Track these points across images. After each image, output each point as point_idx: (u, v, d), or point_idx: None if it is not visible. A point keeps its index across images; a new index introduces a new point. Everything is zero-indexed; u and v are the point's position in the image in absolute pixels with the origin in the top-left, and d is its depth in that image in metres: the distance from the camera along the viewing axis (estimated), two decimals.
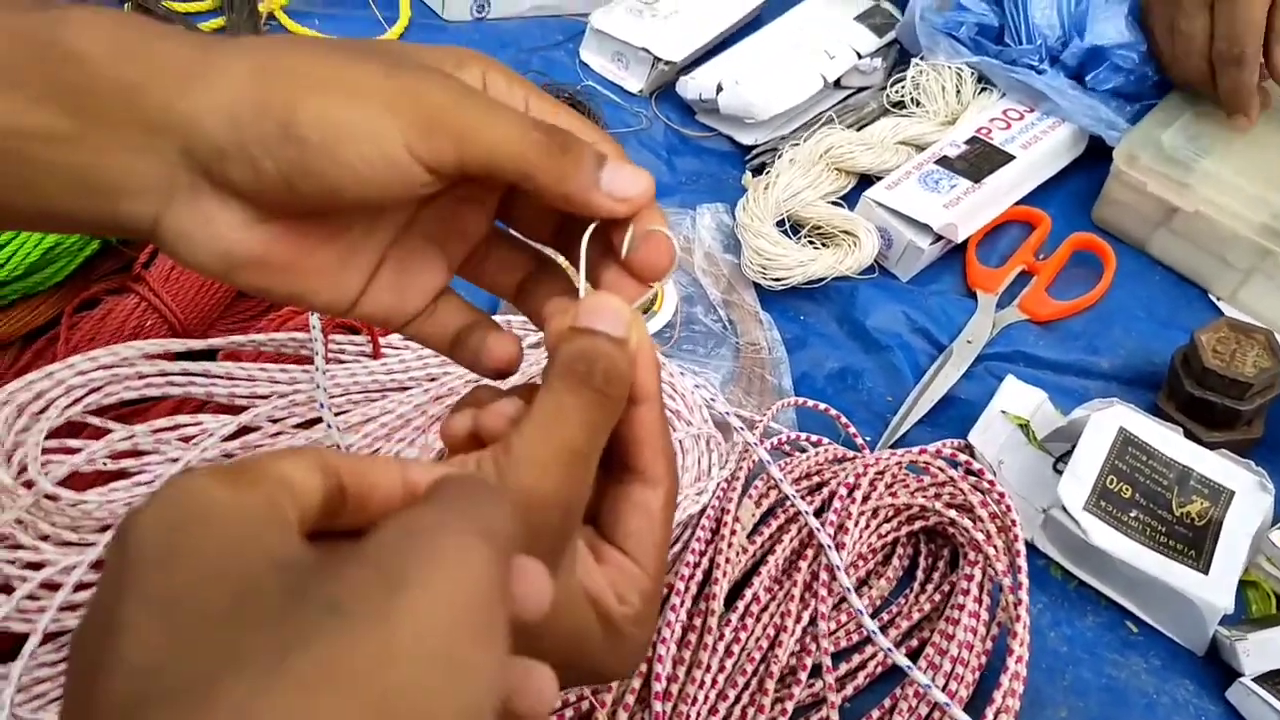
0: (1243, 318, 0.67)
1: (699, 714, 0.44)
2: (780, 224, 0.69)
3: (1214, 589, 0.51)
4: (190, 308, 0.54)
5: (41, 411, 0.45)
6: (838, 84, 0.79)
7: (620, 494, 0.31)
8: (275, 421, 0.49)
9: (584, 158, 0.31)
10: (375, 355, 0.52)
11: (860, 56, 0.80)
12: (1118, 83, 0.72)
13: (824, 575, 0.49)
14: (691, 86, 0.77)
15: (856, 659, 0.49)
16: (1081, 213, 0.73)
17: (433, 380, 0.51)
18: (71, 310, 0.53)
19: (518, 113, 0.31)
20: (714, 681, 0.46)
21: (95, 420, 0.46)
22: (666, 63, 0.78)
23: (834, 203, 0.71)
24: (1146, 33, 0.72)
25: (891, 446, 0.60)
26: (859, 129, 0.75)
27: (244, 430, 0.49)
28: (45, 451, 0.45)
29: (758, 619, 0.48)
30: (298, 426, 0.49)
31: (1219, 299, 0.69)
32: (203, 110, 0.29)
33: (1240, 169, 0.67)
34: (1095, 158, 0.74)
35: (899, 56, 0.82)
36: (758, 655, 0.47)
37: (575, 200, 0.31)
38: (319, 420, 0.49)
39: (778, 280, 0.67)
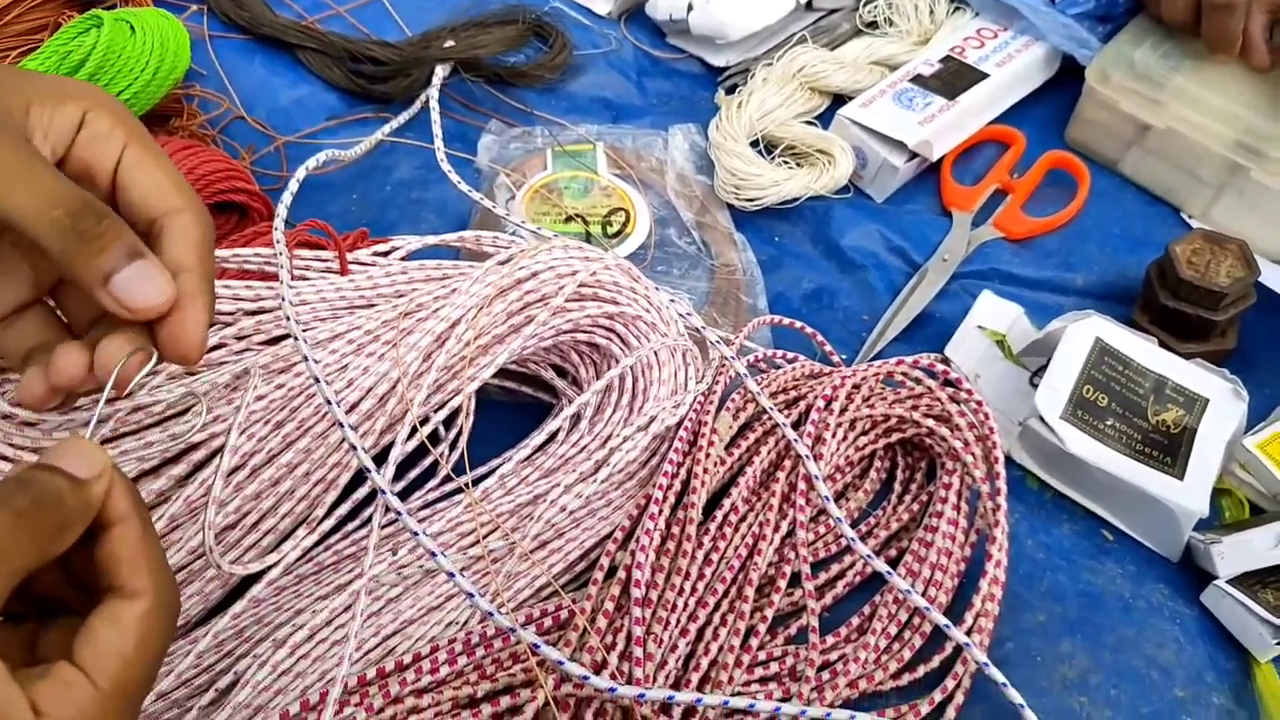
0: None
1: (678, 620, 0.44)
2: (754, 144, 0.68)
3: (1189, 494, 0.51)
4: None
5: None
6: (810, 5, 0.78)
7: (97, 611, 0.29)
8: (241, 339, 0.48)
9: (106, 249, 0.31)
10: (342, 272, 0.51)
11: None
12: (1088, 6, 0.71)
13: (802, 486, 0.49)
14: (661, 7, 0.75)
15: (835, 568, 0.49)
16: (1055, 132, 0.73)
17: (400, 296, 0.50)
18: None
19: (54, 183, 0.31)
20: (693, 589, 0.45)
21: None
22: None
23: (808, 122, 0.70)
24: None
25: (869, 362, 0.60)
26: (832, 49, 0.74)
27: (211, 348, 0.47)
28: (4, 373, 0.44)
29: (736, 528, 0.48)
30: (264, 344, 0.48)
31: (1191, 217, 0.69)
32: None
33: (1212, 85, 0.67)
34: (1069, 77, 0.73)
35: None
36: (736, 564, 0.47)
37: (82, 287, 0.31)
38: (286, 337, 0.48)
39: (751, 201, 0.66)
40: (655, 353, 0.50)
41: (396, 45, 0.71)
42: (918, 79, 0.70)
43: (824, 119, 0.71)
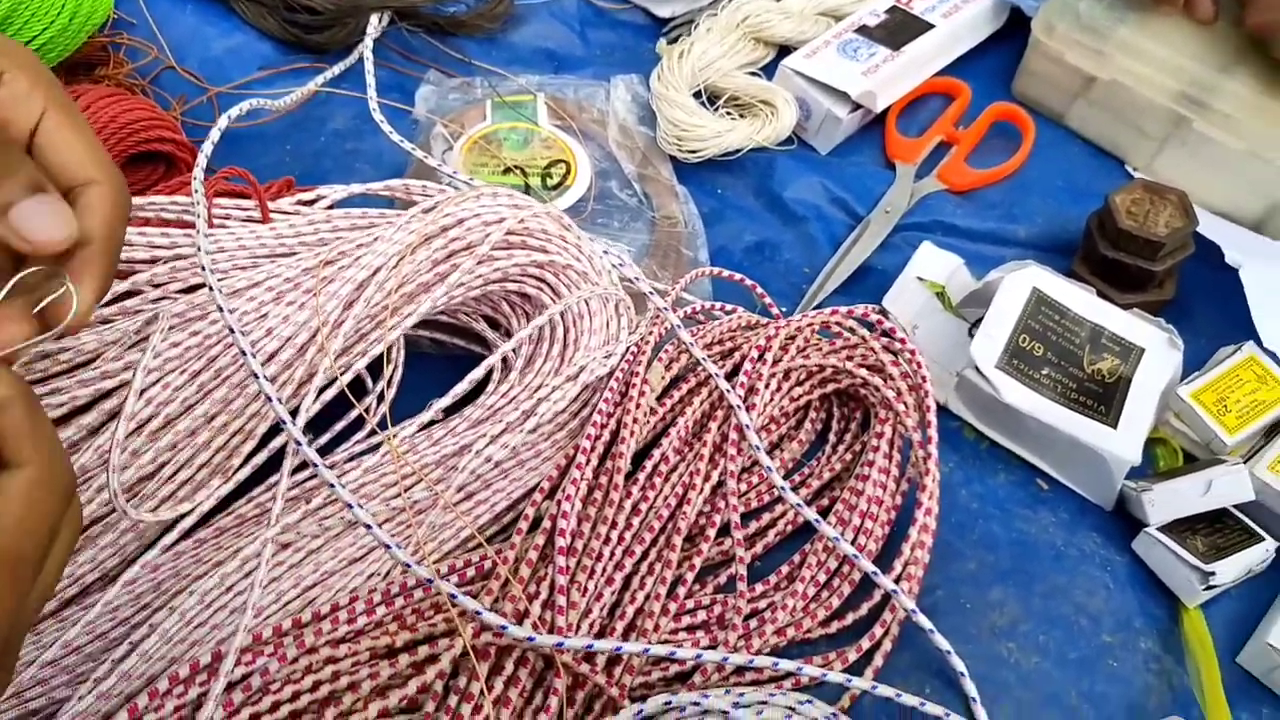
0: None
1: (603, 569, 0.43)
2: (696, 95, 0.67)
3: (1122, 442, 0.51)
4: None
5: None
6: None
7: None
8: (157, 286, 0.47)
9: (5, 179, 0.29)
10: (264, 220, 0.49)
11: None
12: None
13: (734, 435, 0.48)
14: None
15: (767, 518, 0.49)
16: (1001, 85, 0.72)
17: (324, 244, 0.49)
18: None
19: None
20: (620, 538, 0.45)
21: None
22: None
23: (752, 73, 0.69)
24: None
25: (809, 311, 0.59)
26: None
27: (126, 295, 0.46)
28: None
29: (666, 479, 0.47)
30: (181, 292, 0.47)
31: (1135, 169, 0.69)
32: None
33: (1157, 36, 0.66)
34: (1015, 29, 0.72)
35: None
36: (665, 514, 0.46)
37: None
38: (203, 285, 0.46)
39: (693, 152, 0.65)
40: (586, 302, 0.49)
41: None
42: (863, 29, 0.69)
43: (769, 70, 0.70)
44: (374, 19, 0.66)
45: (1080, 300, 0.56)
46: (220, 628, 0.40)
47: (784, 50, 0.71)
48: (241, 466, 0.43)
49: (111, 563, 0.42)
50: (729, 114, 0.67)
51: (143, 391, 0.42)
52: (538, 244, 0.50)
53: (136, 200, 0.48)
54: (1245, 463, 0.51)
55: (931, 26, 0.69)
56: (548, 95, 0.67)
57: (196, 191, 0.47)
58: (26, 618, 0.29)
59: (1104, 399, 0.52)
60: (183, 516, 0.41)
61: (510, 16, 0.72)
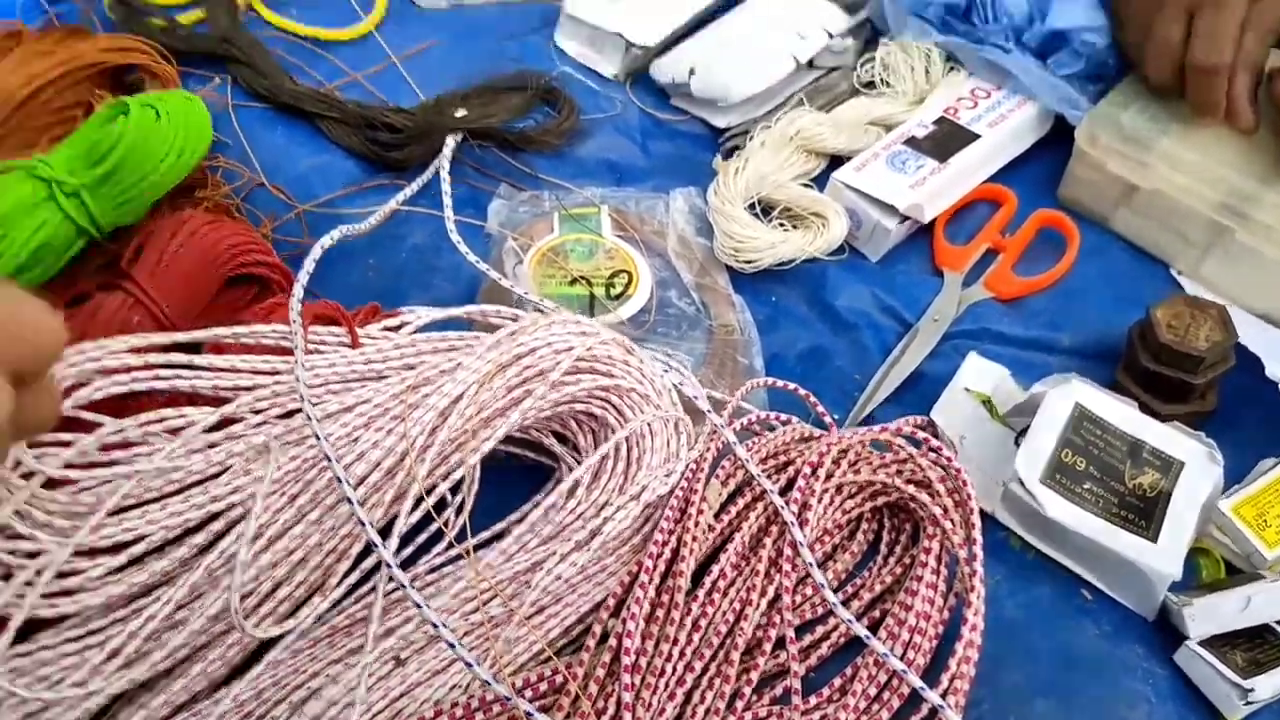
0: (1203, 292, 0.69)
1: (666, 685, 0.47)
2: (751, 206, 0.71)
3: (1162, 557, 0.53)
4: (176, 302, 0.56)
5: None
6: (810, 64, 0.81)
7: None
8: (258, 412, 0.51)
9: None
10: (354, 345, 0.54)
11: (832, 36, 0.81)
12: (1078, 68, 0.73)
13: (788, 551, 0.51)
14: (665, 71, 0.78)
15: (820, 630, 0.52)
16: (1047, 190, 0.75)
17: (409, 368, 0.53)
18: (61, 307, 0.55)
19: None
20: (681, 654, 0.48)
21: (86, 414, 0.48)
22: (640, 47, 0.80)
23: (805, 184, 0.73)
24: (1115, 22, 0.73)
25: (859, 424, 0.62)
26: (830, 109, 0.77)
27: (227, 421, 0.51)
28: (40, 445, 0.47)
29: (724, 594, 0.50)
30: (280, 417, 0.51)
31: (1180, 273, 0.71)
32: None
33: (1198, 147, 0.69)
34: (1061, 135, 0.75)
35: (870, 33, 0.83)
36: (724, 629, 0.49)
37: None
38: (300, 410, 0.51)
39: (749, 263, 0.68)
40: (649, 424, 0.52)
41: (411, 111, 0.74)
42: (911, 141, 0.72)
43: (821, 179, 0.73)
44: (450, 140, 0.71)
45: (1121, 414, 0.58)
46: None
47: (836, 160, 0.75)
48: (338, 585, 0.47)
49: (220, 673, 0.46)
50: (782, 225, 0.70)
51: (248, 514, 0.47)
52: (604, 369, 0.53)
53: (238, 329, 0.53)
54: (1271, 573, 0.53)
55: (977, 137, 0.73)
56: (611, 207, 0.71)
57: (295, 321, 0.51)
58: None
59: (1145, 513, 0.55)
60: (288, 632, 0.45)
61: (576, 131, 0.76)
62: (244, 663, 0.47)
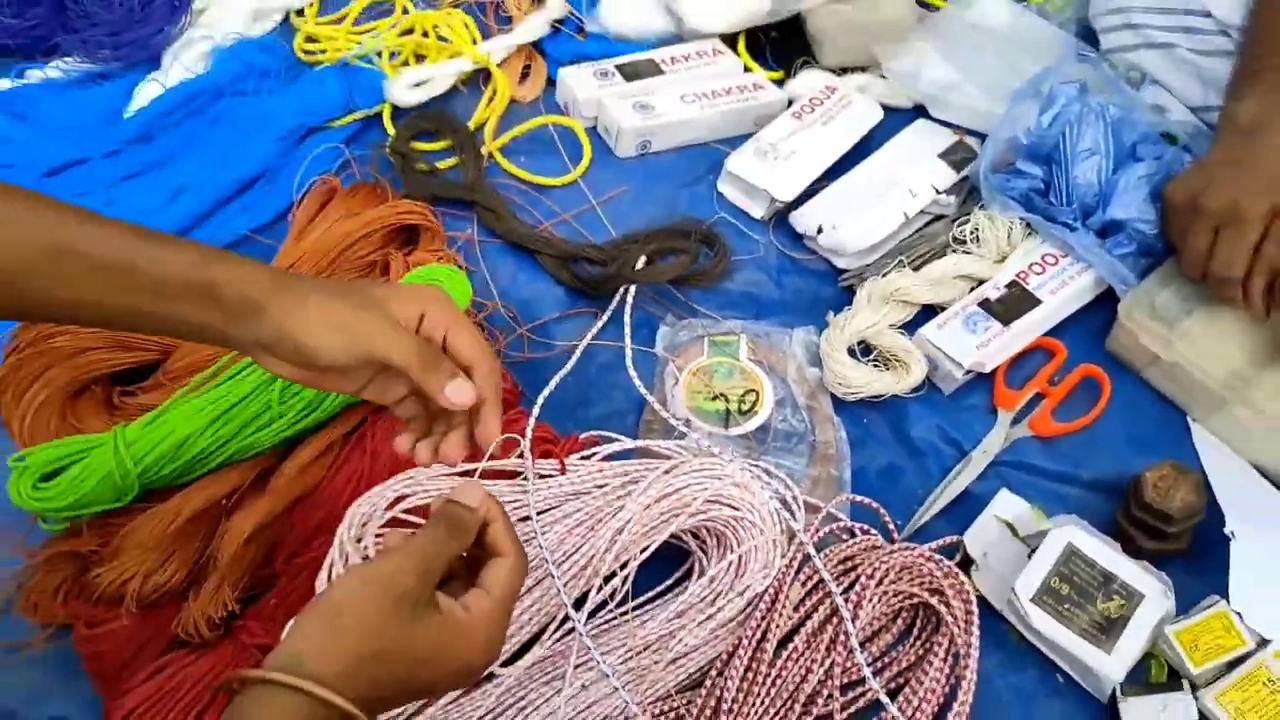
0: (1209, 438, 0.88)
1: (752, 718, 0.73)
2: (852, 350, 0.93)
3: (1113, 666, 0.75)
4: None
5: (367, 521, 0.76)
6: (921, 213, 1.01)
7: (489, 565, 0.60)
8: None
9: (436, 371, 0.61)
10: (562, 471, 0.81)
11: (938, 192, 1.01)
12: (1130, 249, 0.92)
13: (843, 636, 0.76)
14: (799, 222, 1.01)
15: (859, 690, 0.77)
16: (1096, 342, 0.95)
17: (600, 488, 0.80)
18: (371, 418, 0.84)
19: (406, 335, 0.61)
20: (762, 700, 0.74)
21: (404, 515, 0.77)
22: (781, 200, 1.02)
23: (899, 329, 0.95)
24: (1163, 218, 0.91)
25: (914, 532, 0.86)
26: (928, 260, 0.98)
27: None
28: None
29: (796, 661, 0.76)
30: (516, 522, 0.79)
31: (1194, 420, 0.90)
32: (264, 329, 0.60)
33: (1216, 329, 0.87)
34: (1113, 295, 0.94)
35: (971, 187, 1.03)
36: (793, 686, 0.75)
37: (429, 394, 0.62)
38: (528, 518, 0.78)
39: (849, 394, 0.92)
40: (756, 546, 0.78)
41: (603, 248, 1.00)
42: (984, 303, 0.93)
43: (914, 324, 0.95)
44: (631, 289, 0.96)
45: (1103, 554, 0.79)
46: None
47: (927, 307, 0.96)
48: (550, 636, 0.75)
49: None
50: (876, 364, 0.93)
51: None
52: (728, 500, 0.79)
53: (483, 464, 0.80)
54: (1197, 690, 0.74)
55: (1040, 303, 0.93)
56: (748, 336, 0.95)
57: (527, 455, 0.78)
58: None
59: (1107, 631, 0.77)
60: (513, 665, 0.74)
61: (725, 270, 1.00)
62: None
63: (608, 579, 0.76)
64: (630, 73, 1.12)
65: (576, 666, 0.75)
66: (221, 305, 0.61)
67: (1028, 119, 0.97)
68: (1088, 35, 1.13)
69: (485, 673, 0.62)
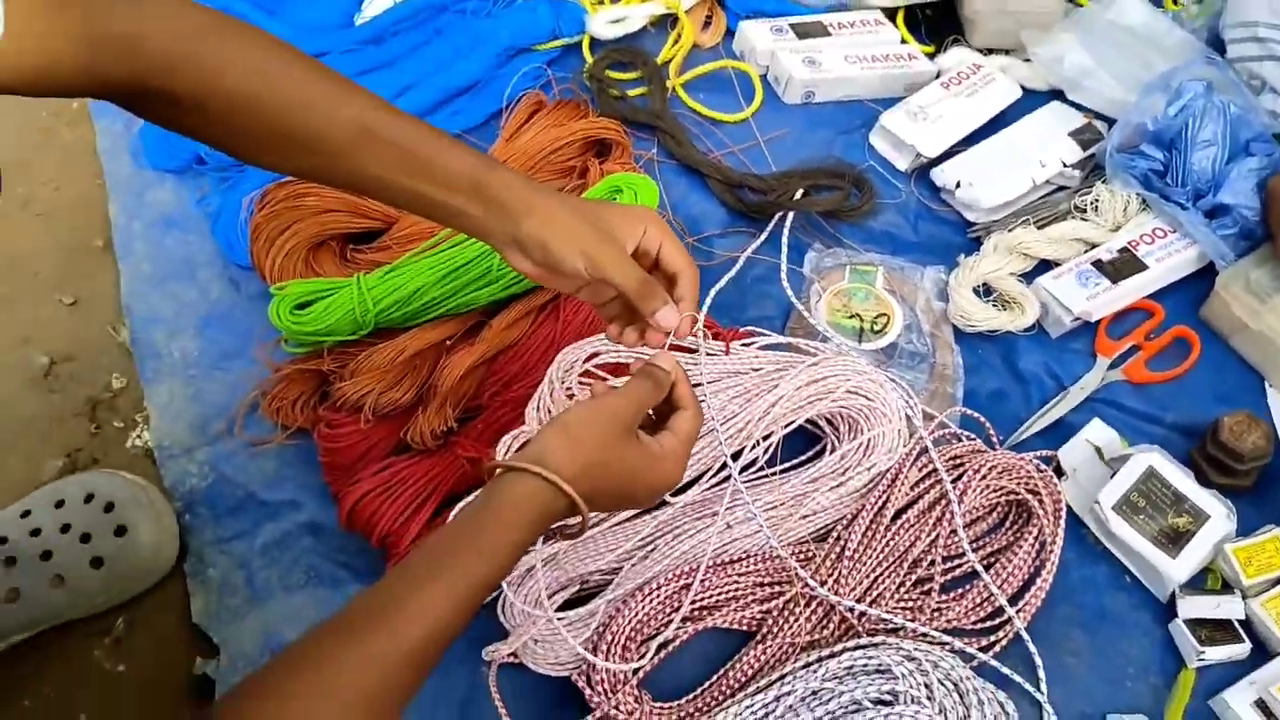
0: None
1: (866, 570, 0.88)
2: (977, 289, 1.07)
3: (1176, 569, 0.89)
4: None
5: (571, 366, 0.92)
6: (1047, 182, 1.15)
7: (675, 415, 0.75)
8: None
9: (652, 299, 0.74)
10: (726, 352, 0.96)
11: (1065, 166, 1.14)
12: (1233, 231, 1.05)
13: (949, 515, 0.91)
14: (940, 177, 1.15)
15: (957, 562, 0.91)
16: (1191, 309, 1.07)
17: (756, 370, 0.95)
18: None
19: (632, 266, 0.74)
20: (877, 556, 0.89)
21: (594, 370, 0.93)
22: (925, 156, 1.16)
23: (1018, 278, 1.08)
24: (1265, 208, 1.03)
25: (1014, 447, 1.00)
26: (1048, 224, 1.11)
27: None
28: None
29: (907, 530, 0.91)
30: None
31: (1270, 386, 1.03)
32: (522, 231, 0.73)
33: None
34: (1210, 271, 1.07)
35: (1093, 166, 1.16)
36: (902, 549, 0.90)
37: (643, 313, 0.75)
38: (698, 385, 0.94)
39: (969, 326, 1.06)
40: (883, 431, 0.93)
41: (765, 179, 1.14)
42: (1097, 263, 1.06)
43: (1032, 273, 1.09)
44: (791, 215, 1.10)
45: (1178, 478, 0.93)
46: (689, 561, 0.88)
47: (1044, 261, 1.10)
48: (705, 484, 0.91)
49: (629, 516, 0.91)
50: (995, 304, 1.07)
51: None
52: (863, 393, 0.94)
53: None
54: (1246, 598, 0.88)
55: (1146, 268, 1.06)
56: (885, 269, 1.10)
57: (700, 333, 0.94)
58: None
59: (1174, 541, 0.90)
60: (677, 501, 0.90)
61: (871, 211, 1.14)
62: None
63: (755, 446, 0.92)
64: (801, 31, 1.26)
65: (727, 508, 0.90)
66: (489, 203, 0.73)
67: (1155, 108, 1.10)
68: (1216, 43, 1.25)
69: (663, 497, 0.78)
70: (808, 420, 0.97)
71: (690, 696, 0.84)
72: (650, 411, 0.76)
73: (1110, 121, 1.17)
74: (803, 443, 0.98)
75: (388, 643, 0.57)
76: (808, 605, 0.87)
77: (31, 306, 1.14)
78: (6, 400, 1.08)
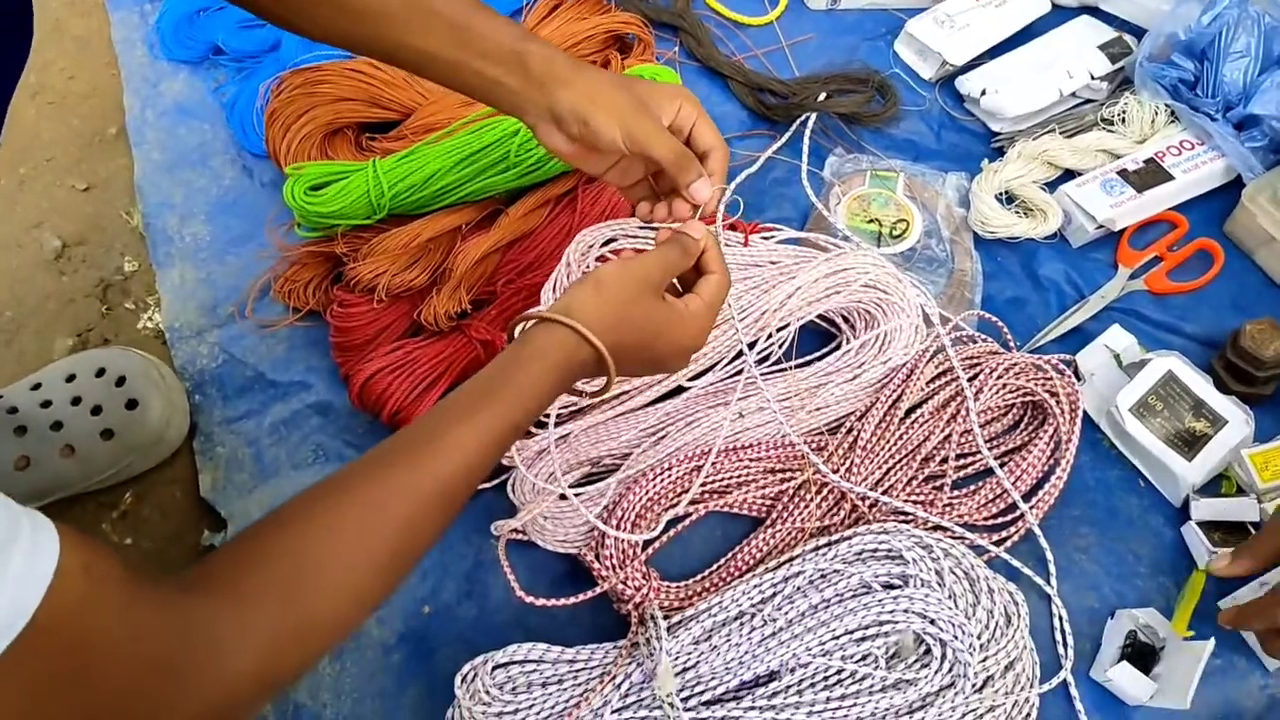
0: None
1: (879, 462, 0.87)
2: (999, 195, 1.06)
3: (1191, 472, 0.88)
4: None
5: (589, 248, 0.91)
6: (1074, 94, 1.13)
7: (702, 280, 0.75)
8: None
9: (689, 171, 0.74)
10: (745, 244, 0.95)
11: (1093, 78, 1.13)
12: (1263, 143, 1.03)
13: (964, 411, 0.90)
14: (965, 85, 1.13)
15: (972, 459, 0.91)
16: (1215, 221, 1.06)
17: (774, 264, 0.94)
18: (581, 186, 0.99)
19: (670, 138, 0.74)
20: (889, 449, 0.88)
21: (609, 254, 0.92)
22: (951, 64, 1.14)
23: (1041, 186, 1.07)
24: None
25: (1032, 351, 0.99)
26: (1074, 134, 1.10)
27: None
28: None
29: (921, 425, 0.90)
30: None
31: None
32: (560, 103, 0.72)
33: None
34: (1236, 185, 1.05)
35: (1121, 80, 1.14)
36: (915, 443, 0.89)
37: (678, 186, 0.75)
38: None
39: (990, 233, 1.04)
40: (900, 325, 0.92)
41: (787, 83, 1.13)
42: (1122, 172, 1.05)
43: (1054, 183, 1.07)
44: (812, 116, 1.09)
45: (1197, 383, 0.92)
46: (700, 446, 0.88)
47: (1068, 172, 1.08)
48: (721, 370, 0.90)
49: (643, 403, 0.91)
50: (1018, 212, 1.05)
51: None
52: (881, 287, 0.92)
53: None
54: (1261, 502, 0.87)
55: (1171, 179, 1.04)
56: (906, 175, 1.08)
57: (719, 227, 0.93)
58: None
59: (1190, 444, 0.90)
60: (692, 387, 0.89)
61: (894, 118, 1.13)
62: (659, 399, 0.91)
63: (770, 337, 0.91)
64: None
65: (740, 397, 0.90)
66: (528, 75, 0.73)
67: (1189, 18, 1.08)
68: None
69: (689, 363, 0.78)
70: (824, 317, 0.96)
71: (698, 577, 0.84)
72: (678, 283, 0.76)
73: (1141, 35, 1.15)
74: (818, 344, 0.97)
75: (421, 477, 0.59)
76: (818, 492, 0.86)
77: (45, 191, 1.14)
78: (19, 281, 1.07)
